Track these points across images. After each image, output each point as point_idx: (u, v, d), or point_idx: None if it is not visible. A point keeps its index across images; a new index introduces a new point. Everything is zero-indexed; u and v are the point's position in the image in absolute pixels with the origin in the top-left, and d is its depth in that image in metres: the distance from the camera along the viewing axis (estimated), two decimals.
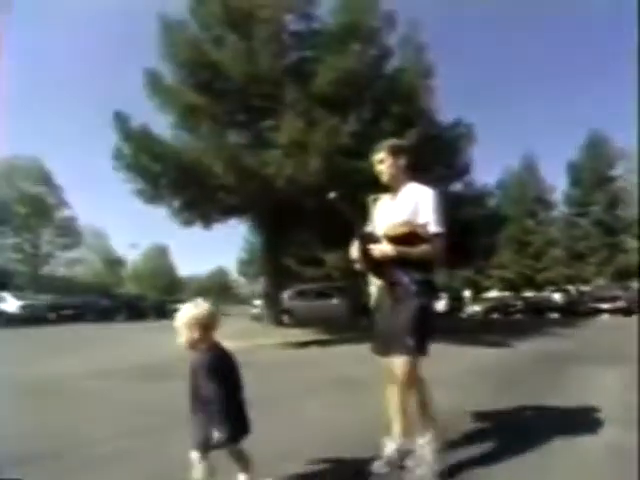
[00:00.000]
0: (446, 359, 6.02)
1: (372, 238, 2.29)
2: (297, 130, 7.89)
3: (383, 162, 2.43)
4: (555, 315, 21.82)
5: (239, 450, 1.84)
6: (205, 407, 1.75)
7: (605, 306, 20.65)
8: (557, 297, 24.41)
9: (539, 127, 77.53)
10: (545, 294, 26.46)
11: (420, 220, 2.24)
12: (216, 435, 1.70)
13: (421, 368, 2.23)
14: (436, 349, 2.40)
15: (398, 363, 2.17)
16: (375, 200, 2.55)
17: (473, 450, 2.42)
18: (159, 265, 53.26)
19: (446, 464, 2.15)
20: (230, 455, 1.83)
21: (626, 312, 19.60)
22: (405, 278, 2.23)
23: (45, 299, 23.15)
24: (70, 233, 37.53)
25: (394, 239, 2.23)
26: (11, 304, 20.01)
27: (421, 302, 2.21)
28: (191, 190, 9.29)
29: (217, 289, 64.26)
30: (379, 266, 2.26)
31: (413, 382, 2.20)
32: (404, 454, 2.19)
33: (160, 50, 10.03)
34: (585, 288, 25.63)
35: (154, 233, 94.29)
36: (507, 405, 3.40)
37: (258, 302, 18.18)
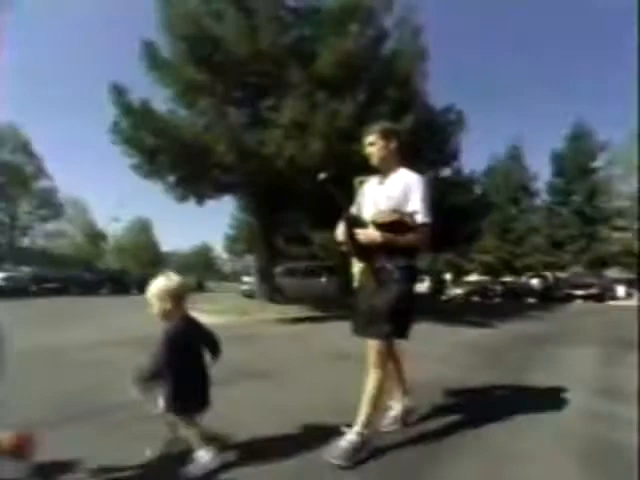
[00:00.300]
0: (431, 337, 6.38)
1: (358, 222, 2.31)
2: (299, 112, 7.92)
3: (374, 145, 2.40)
4: (532, 300, 22.62)
5: (194, 423, 1.87)
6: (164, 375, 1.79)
7: (580, 292, 21.59)
8: (535, 282, 25.26)
9: (527, 115, 78.35)
10: (523, 279, 27.34)
11: (409, 208, 2.23)
12: (161, 404, 1.80)
13: (399, 350, 2.41)
14: (421, 328, 2.62)
15: (372, 345, 2.21)
16: (362, 182, 2.54)
17: (459, 418, 2.66)
18: (141, 239, 52.47)
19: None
20: (185, 427, 1.87)
21: (599, 298, 20.64)
22: (389, 264, 2.24)
23: (26, 271, 22.65)
24: (50, 204, 36.56)
25: (381, 226, 2.22)
26: None
27: (403, 288, 2.23)
28: (189, 167, 9.23)
29: (201, 265, 63.98)
30: (364, 250, 2.27)
31: (383, 365, 2.21)
32: (362, 444, 2.12)
33: (158, 22, 9.79)
34: (562, 275, 26.56)
35: (136, 207, 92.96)
36: (490, 379, 3.72)
37: (247, 279, 18.34)
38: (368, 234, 2.22)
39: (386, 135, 2.40)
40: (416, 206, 2.21)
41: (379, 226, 2.22)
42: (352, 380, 2.53)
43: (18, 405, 2.63)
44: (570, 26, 79.28)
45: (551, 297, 22.00)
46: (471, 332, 7.78)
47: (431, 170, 14.70)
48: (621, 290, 22.96)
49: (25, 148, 33.90)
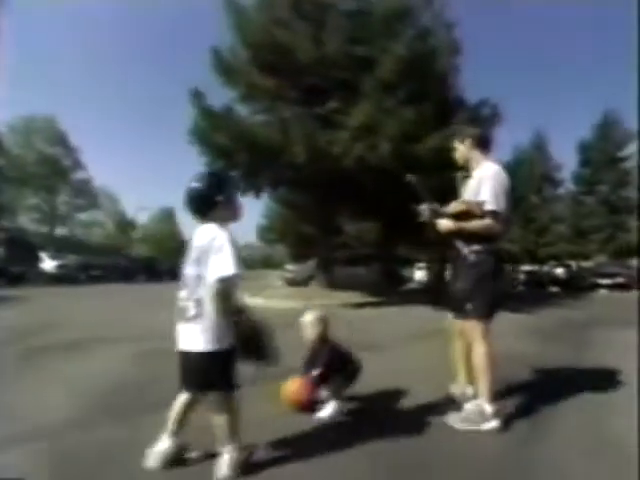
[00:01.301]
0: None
1: (439, 213, 2.62)
2: (368, 115, 8.76)
3: (455, 150, 2.83)
4: (556, 289, 22.84)
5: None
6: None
7: (605, 281, 21.60)
8: (559, 271, 25.59)
9: (553, 105, 77.41)
10: (545, 268, 27.62)
11: (480, 197, 2.48)
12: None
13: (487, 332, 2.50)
14: None
15: (463, 324, 2.62)
16: (463, 177, 2.83)
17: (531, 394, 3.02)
18: (166, 228, 53.89)
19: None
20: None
21: (624, 287, 20.93)
22: (465, 249, 2.54)
23: (74, 259, 23.85)
24: (85, 195, 38.07)
25: (454, 216, 2.53)
26: (47, 264, 20.79)
27: (479, 270, 2.48)
28: (263, 165, 10.15)
29: None
30: (445, 237, 2.62)
31: (481, 340, 2.47)
32: (466, 398, 2.61)
33: (226, 30, 10.65)
34: (586, 264, 26.85)
35: (160, 197, 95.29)
36: (559, 354, 4.45)
37: (292, 267, 19.30)
38: (441, 223, 2.57)
39: (462, 140, 2.78)
40: (485, 196, 2.45)
41: (453, 216, 2.54)
42: (441, 352, 3.17)
43: None
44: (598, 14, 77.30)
45: (576, 286, 22.11)
46: (519, 317, 8.10)
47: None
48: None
49: (63, 140, 35.26)
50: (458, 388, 2.79)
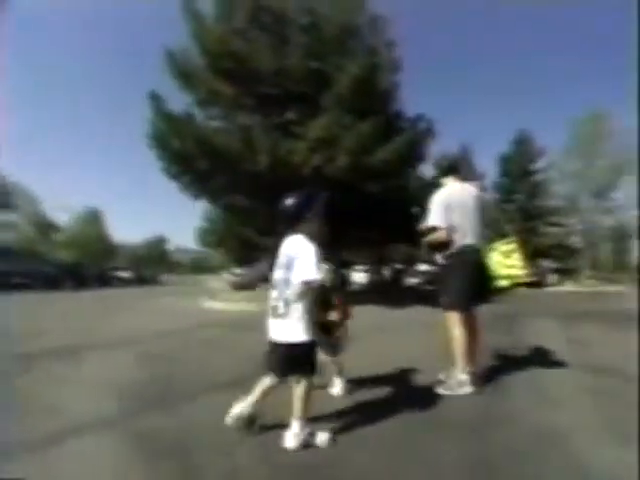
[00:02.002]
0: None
1: (429, 230, 3.25)
2: (327, 129, 9.34)
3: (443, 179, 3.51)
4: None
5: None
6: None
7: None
8: None
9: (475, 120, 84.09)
10: None
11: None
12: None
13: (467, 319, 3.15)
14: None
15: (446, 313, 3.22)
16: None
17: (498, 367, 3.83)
18: (92, 230, 50.48)
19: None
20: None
21: (537, 285, 23.72)
22: (438, 256, 3.31)
23: None
24: None
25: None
26: None
27: (449, 271, 3.19)
28: (218, 172, 10.27)
29: (154, 258, 62.58)
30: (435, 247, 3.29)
31: (455, 326, 3.11)
32: (468, 381, 3.10)
33: (184, 35, 10.61)
34: None
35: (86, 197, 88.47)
36: (498, 340, 5.17)
37: (239, 270, 19.27)
38: (435, 235, 3.22)
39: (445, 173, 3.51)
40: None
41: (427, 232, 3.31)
42: (438, 336, 3.73)
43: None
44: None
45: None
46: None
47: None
48: (553, 278, 26.48)
49: None
50: (447, 374, 3.26)
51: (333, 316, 2.68)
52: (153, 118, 9.81)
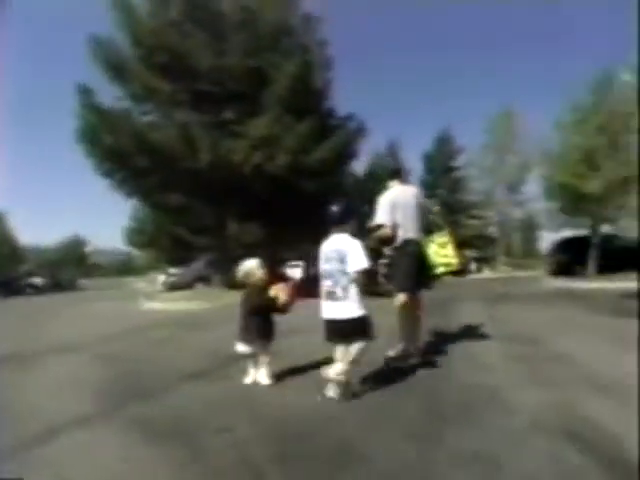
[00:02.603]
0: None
1: (377, 227, 3.64)
2: (268, 128, 9.50)
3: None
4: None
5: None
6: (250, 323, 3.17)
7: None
8: None
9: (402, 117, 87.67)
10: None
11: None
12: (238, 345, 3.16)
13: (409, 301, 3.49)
14: None
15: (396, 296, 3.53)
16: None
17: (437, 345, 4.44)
18: None
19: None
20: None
21: (461, 273, 25.64)
22: (387, 249, 3.74)
23: None
24: None
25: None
26: None
27: (394, 261, 3.64)
28: (157, 171, 9.99)
29: (73, 260, 57.64)
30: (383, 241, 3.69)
31: (403, 308, 3.50)
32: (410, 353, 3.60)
33: (114, 25, 10.08)
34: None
35: None
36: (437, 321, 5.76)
37: (174, 270, 18.61)
38: (381, 232, 3.61)
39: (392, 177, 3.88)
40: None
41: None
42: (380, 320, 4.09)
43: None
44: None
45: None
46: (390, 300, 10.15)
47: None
48: (474, 266, 28.83)
49: None
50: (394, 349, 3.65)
51: (282, 297, 3.23)
52: (82, 112, 9.26)
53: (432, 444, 1.97)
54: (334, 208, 3.33)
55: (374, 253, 3.94)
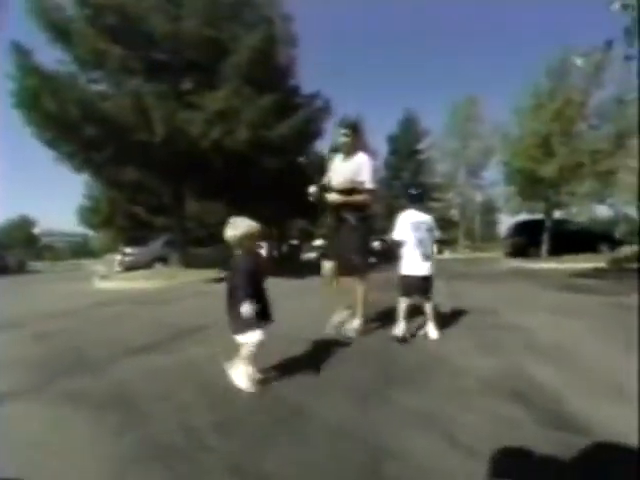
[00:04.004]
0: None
1: (326, 188, 3.46)
2: (228, 101, 9.06)
3: (347, 136, 3.41)
4: (374, 259, 26.65)
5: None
6: (237, 298, 2.23)
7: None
8: (375, 244, 29.94)
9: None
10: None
11: (360, 178, 3.35)
12: (244, 309, 2.15)
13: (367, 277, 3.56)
14: None
15: (346, 272, 3.51)
16: (332, 155, 3.75)
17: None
18: None
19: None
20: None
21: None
22: (349, 216, 3.41)
23: None
24: None
25: (341, 191, 3.37)
26: None
27: (360, 232, 3.42)
28: (108, 143, 9.36)
29: (20, 242, 53.93)
30: (333, 207, 3.45)
31: (360, 281, 3.51)
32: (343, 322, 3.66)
33: None
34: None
35: None
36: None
37: (130, 250, 17.75)
38: (331, 196, 3.38)
39: (355, 129, 3.44)
40: (365, 177, 3.37)
41: (340, 191, 3.39)
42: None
43: None
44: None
45: (390, 257, 26.26)
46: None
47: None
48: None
49: None
50: (338, 317, 3.70)
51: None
52: (18, 74, 8.41)
53: (383, 403, 2.10)
54: (412, 190, 3.79)
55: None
